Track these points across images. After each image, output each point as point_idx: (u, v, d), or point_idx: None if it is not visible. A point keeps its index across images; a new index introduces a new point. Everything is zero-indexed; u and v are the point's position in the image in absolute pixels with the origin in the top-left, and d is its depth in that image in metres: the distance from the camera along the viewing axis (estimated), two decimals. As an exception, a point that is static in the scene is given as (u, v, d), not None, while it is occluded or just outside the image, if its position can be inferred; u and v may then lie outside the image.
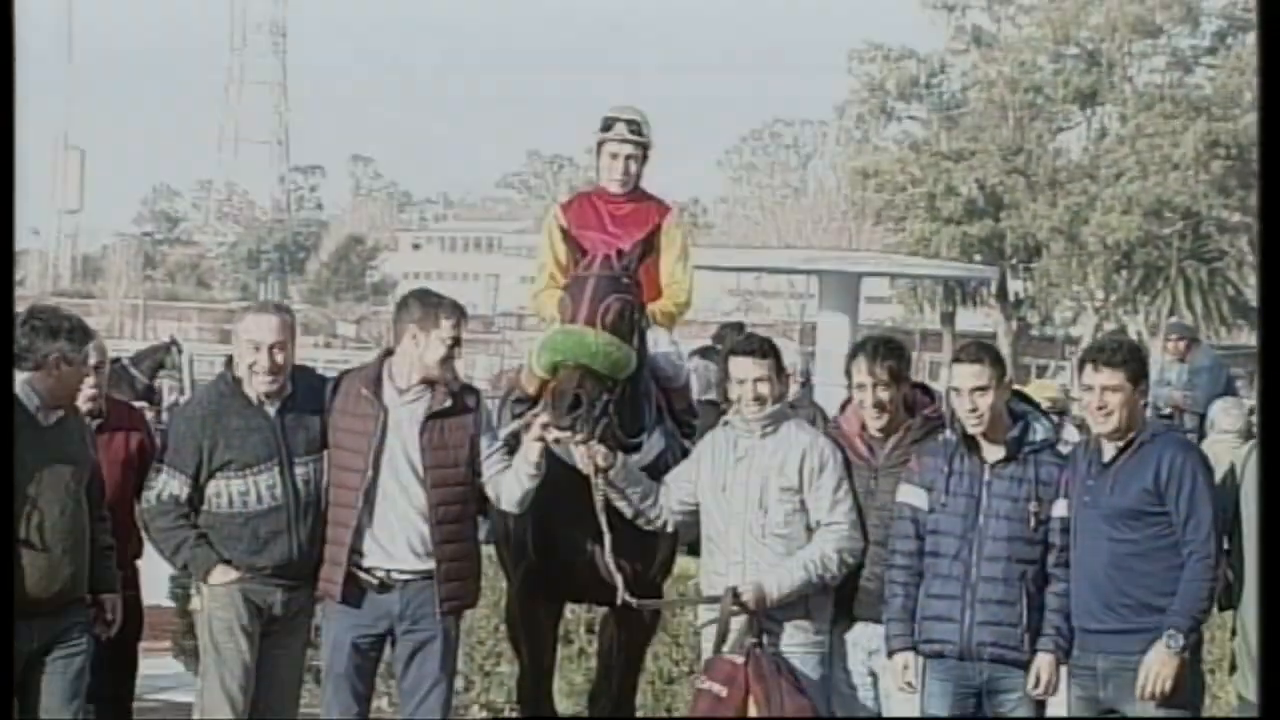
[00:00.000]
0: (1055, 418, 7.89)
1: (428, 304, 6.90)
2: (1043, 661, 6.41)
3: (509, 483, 6.83)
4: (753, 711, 6.55)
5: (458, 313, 6.90)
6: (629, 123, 7.58)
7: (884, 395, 6.67)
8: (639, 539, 7.05)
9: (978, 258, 53.83)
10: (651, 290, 7.46)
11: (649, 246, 7.20)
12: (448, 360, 6.84)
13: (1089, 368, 6.44)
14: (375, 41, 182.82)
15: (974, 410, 6.47)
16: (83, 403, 6.78)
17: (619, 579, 6.85)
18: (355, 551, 6.77)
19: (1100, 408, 6.37)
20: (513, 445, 6.96)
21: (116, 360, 17.36)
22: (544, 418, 6.69)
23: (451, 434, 6.82)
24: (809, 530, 6.68)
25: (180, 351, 20.16)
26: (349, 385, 6.94)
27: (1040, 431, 6.58)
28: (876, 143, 60.55)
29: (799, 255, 44.01)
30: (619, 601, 6.92)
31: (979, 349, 6.67)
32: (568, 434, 6.66)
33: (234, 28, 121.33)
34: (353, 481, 6.76)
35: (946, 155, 55.41)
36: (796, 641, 6.69)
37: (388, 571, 6.77)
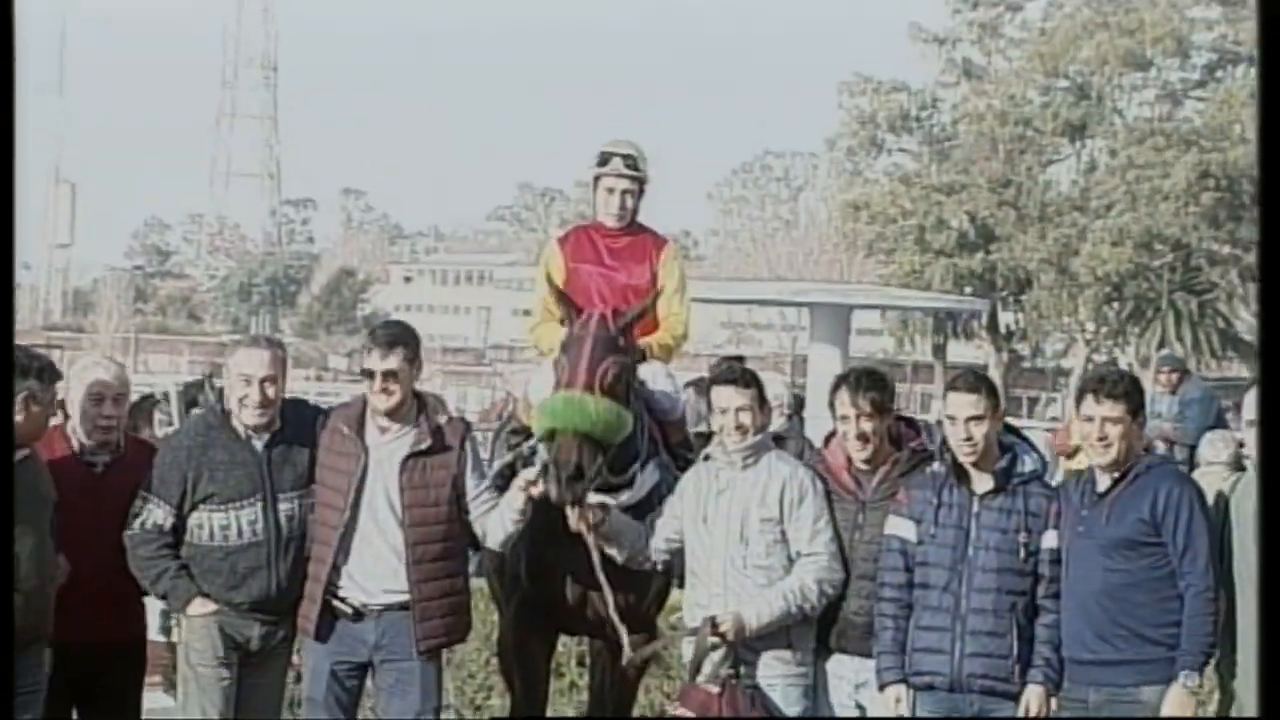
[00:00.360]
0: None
1: (364, 341, 6.94)
2: (1033, 693, 6.41)
3: (494, 524, 6.82)
4: None
5: (382, 345, 6.78)
6: (625, 157, 7.59)
7: (867, 426, 6.68)
8: (633, 573, 7.05)
9: (968, 290, 53.89)
10: (648, 323, 7.48)
11: (645, 309, 7.18)
12: (387, 397, 6.75)
13: (1089, 399, 6.44)
14: (366, 76, 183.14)
15: (969, 439, 6.48)
16: (97, 435, 6.76)
17: (623, 632, 6.86)
18: (332, 587, 6.76)
19: (1100, 439, 6.37)
20: (502, 484, 6.96)
21: (150, 396, 17.27)
22: (539, 486, 6.65)
23: (432, 473, 6.80)
24: (790, 561, 6.69)
25: (214, 386, 20.10)
26: (334, 423, 6.93)
27: (1029, 463, 6.59)
28: (867, 175, 60.68)
29: (790, 288, 43.96)
30: (624, 661, 6.94)
31: (975, 378, 6.68)
32: (571, 501, 6.62)
33: (225, 62, 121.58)
34: (332, 520, 6.76)
35: (937, 188, 55.52)
36: (778, 673, 6.68)
37: (363, 603, 6.77)
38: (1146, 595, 6.25)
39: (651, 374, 7.44)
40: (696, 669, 6.67)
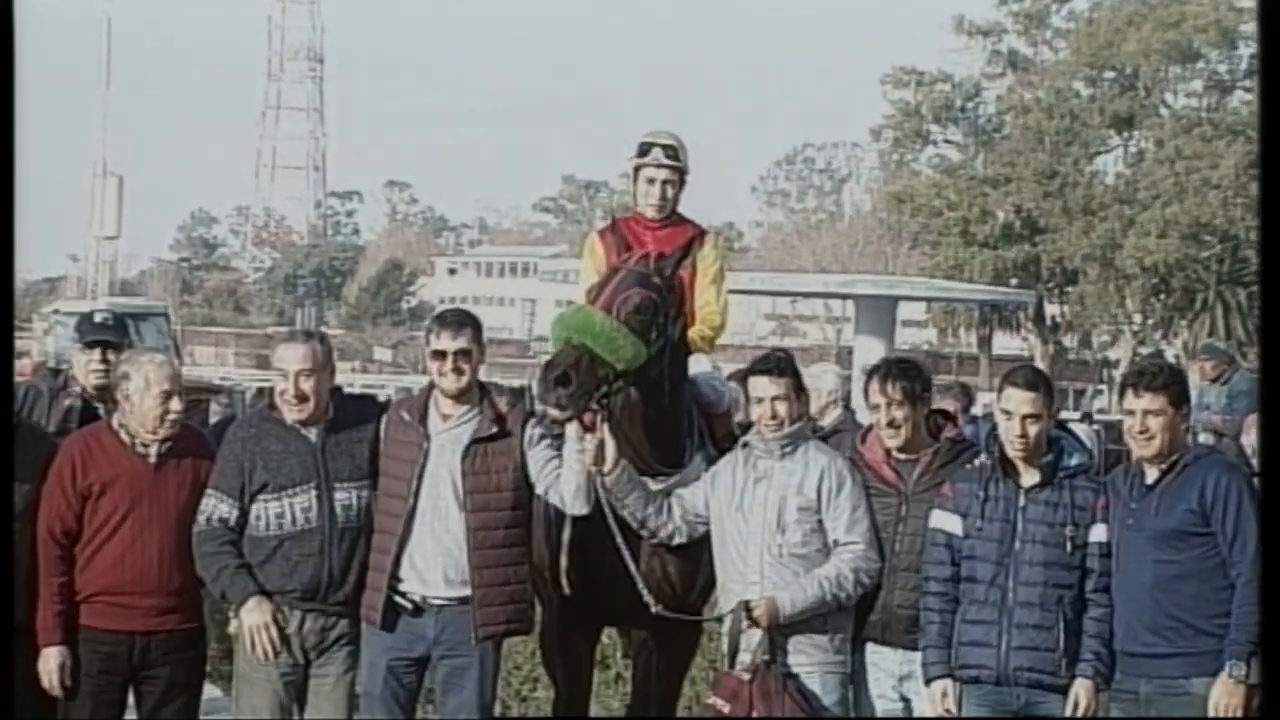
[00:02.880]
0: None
1: (430, 325, 6.96)
2: (1081, 687, 6.38)
3: (567, 481, 6.77)
4: None
5: (451, 326, 6.84)
6: (665, 148, 7.59)
7: (898, 414, 6.68)
8: (678, 561, 7.05)
9: (1014, 282, 53.77)
10: (687, 316, 7.47)
11: (686, 253, 7.21)
12: (458, 376, 6.80)
13: (1130, 392, 6.42)
14: (411, 68, 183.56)
15: (1022, 436, 6.46)
16: (160, 427, 6.81)
17: (645, 592, 6.86)
18: (394, 577, 6.76)
19: (1142, 431, 6.35)
20: (557, 447, 6.92)
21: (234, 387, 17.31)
22: (551, 413, 6.62)
23: (495, 459, 6.80)
24: (827, 550, 6.69)
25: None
26: (396, 413, 6.96)
27: (1075, 456, 6.56)
28: (912, 167, 60.56)
29: (835, 279, 44.01)
30: (652, 610, 6.92)
31: (1034, 375, 6.66)
32: (555, 411, 6.58)
33: (271, 55, 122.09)
34: (396, 508, 6.77)
35: (982, 180, 55.40)
36: (815, 660, 6.68)
37: (422, 597, 6.77)
38: (1197, 586, 6.22)
39: (696, 366, 7.43)
40: (732, 655, 6.68)
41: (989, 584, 6.46)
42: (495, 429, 6.82)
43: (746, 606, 6.63)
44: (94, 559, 6.76)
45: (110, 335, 7.47)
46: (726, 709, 6.61)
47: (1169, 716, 6.23)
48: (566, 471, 6.79)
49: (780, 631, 6.63)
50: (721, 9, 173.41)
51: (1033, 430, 6.46)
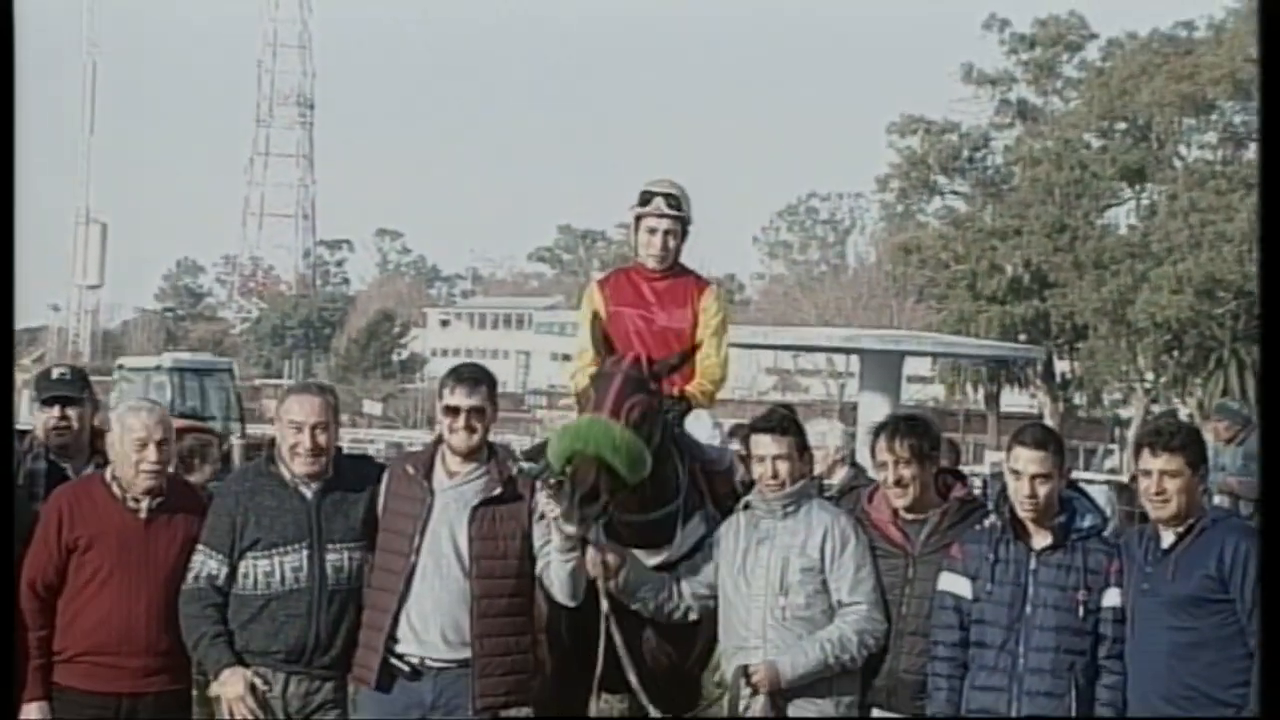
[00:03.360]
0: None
1: (444, 380, 6.90)
2: None
3: (554, 571, 6.73)
4: None
5: (467, 382, 6.80)
6: (668, 196, 7.58)
7: (905, 472, 6.66)
8: (674, 630, 7.01)
9: (1022, 337, 53.79)
10: (687, 371, 7.44)
11: (681, 361, 7.15)
12: (469, 435, 6.76)
13: (1146, 452, 6.39)
14: (403, 114, 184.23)
15: (1032, 496, 6.43)
16: (142, 481, 6.77)
17: (643, 696, 6.82)
18: (390, 638, 6.69)
19: (1159, 493, 6.32)
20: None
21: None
22: (551, 505, 6.57)
23: (503, 524, 6.74)
24: (832, 613, 6.67)
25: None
26: (399, 468, 6.92)
27: (1088, 518, 6.53)
28: (918, 218, 60.68)
29: (839, 333, 43.98)
30: (652, 715, 6.87)
31: (1044, 433, 6.64)
32: (572, 528, 6.53)
33: (260, 99, 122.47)
34: (396, 565, 6.71)
35: (990, 232, 55.49)
36: None
37: (420, 659, 6.69)
38: (1215, 654, 6.18)
39: (697, 423, 7.40)
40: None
41: (999, 649, 6.42)
42: (502, 490, 6.76)
43: (745, 671, 6.60)
44: (78, 617, 6.71)
45: (69, 390, 7.37)
46: None
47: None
48: (555, 568, 6.71)
49: (782, 696, 6.59)
50: (723, 54, 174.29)
51: (1042, 490, 6.43)
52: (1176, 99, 53.57)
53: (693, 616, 6.97)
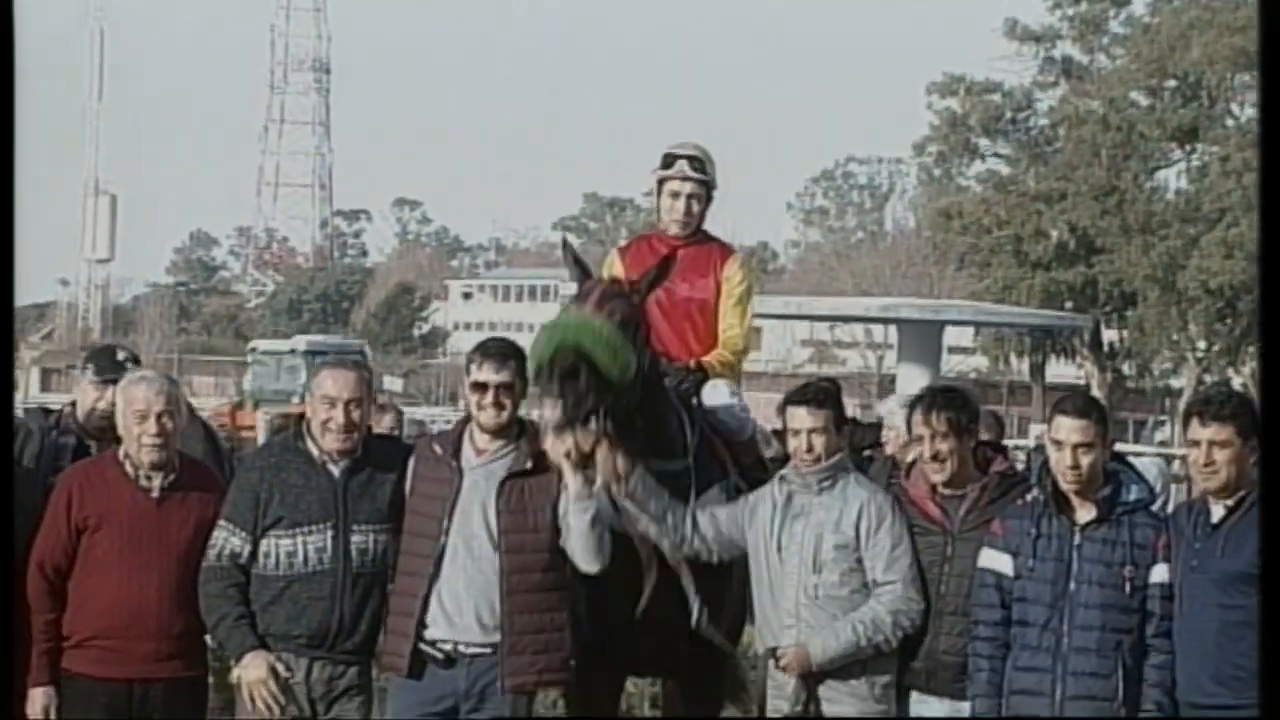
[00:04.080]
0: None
1: (471, 355, 6.93)
2: None
3: (573, 525, 6.72)
4: None
5: (495, 357, 6.82)
6: (691, 159, 7.58)
7: (942, 446, 6.68)
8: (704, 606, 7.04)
9: (1069, 305, 53.65)
10: (709, 339, 7.46)
11: (661, 274, 7.12)
12: (498, 411, 6.78)
13: (1195, 421, 6.40)
14: (423, 80, 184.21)
15: (1074, 467, 6.45)
16: (146, 455, 6.81)
17: (690, 584, 6.83)
18: (420, 623, 6.72)
19: (1207, 464, 6.33)
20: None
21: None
22: (549, 415, 6.53)
23: (533, 497, 6.77)
24: (867, 592, 6.69)
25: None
26: (426, 448, 6.95)
27: (1134, 491, 6.54)
28: (959, 182, 60.49)
29: (876, 303, 43.99)
30: (694, 622, 6.88)
31: (1085, 402, 6.66)
32: (556, 414, 6.48)
33: (274, 65, 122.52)
34: (424, 549, 6.74)
35: (1035, 196, 55.30)
36: (855, 710, 6.67)
37: (453, 645, 6.72)
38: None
39: (713, 392, 7.42)
40: (761, 704, 6.70)
41: (1042, 628, 6.43)
42: (531, 464, 6.78)
43: (774, 653, 6.63)
44: (88, 599, 6.75)
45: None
46: None
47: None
48: (574, 522, 6.71)
49: (814, 679, 6.62)
50: (754, 14, 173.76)
51: (1085, 460, 6.44)
52: (1228, 54, 53.27)
53: (705, 558, 6.93)
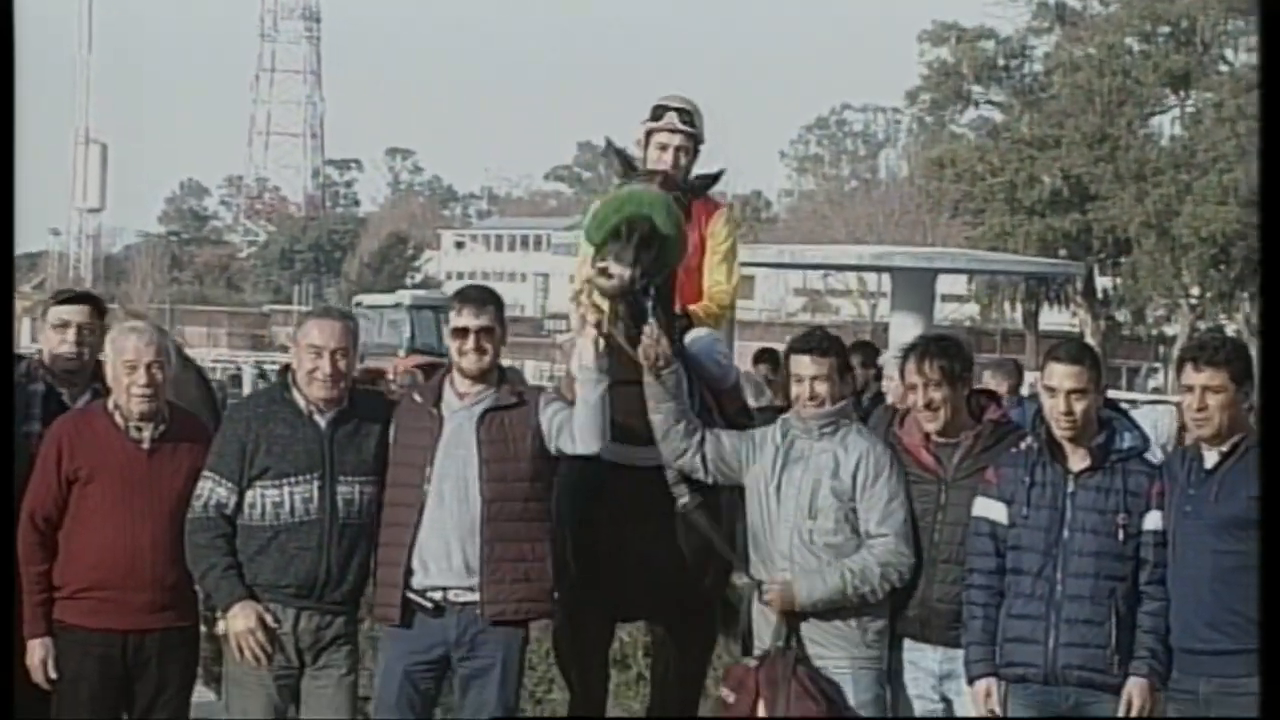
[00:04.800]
0: None
1: (450, 302, 7.03)
2: (1135, 686, 6.36)
3: (578, 413, 6.76)
4: (761, 715, 6.59)
5: (474, 302, 6.91)
6: (680, 111, 7.58)
7: (935, 395, 6.68)
8: (690, 545, 7.08)
9: (1062, 252, 53.65)
10: (694, 291, 7.48)
11: (712, 179, 7.36)
12: (479, 356, 6.84)
13: (1189, 367, 6.40)
14: (415, 27, 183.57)
15: (1068, 413, 6.46)
16: (135, 405, 6.81)
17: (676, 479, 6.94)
18: (408, 572, 6.75)
19: (1200, 409, 6.33)
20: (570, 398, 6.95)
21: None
22: (618, 272, 6.65)
23: (513, 428, 6.82)
24: (860, 541, 6.70)
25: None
26: (408, 398, 7.01)
27: (1128, 439, 6.54)
28: (953, 129, 60.40)
29: (870, 251, 43.88)
30: (679, 506, 6.95)
31: (1079, 349, 6.65)
32: (623, 269, 6.64)
33: (264, 13, 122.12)
34: (408, 497, 6.77)
35: (1028, 143, 55.24)
36: (846, 655, 6.68)
37: (442, 593, 6.76)
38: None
39: (697, 339, 7.44)
40: (745, 638, 6.75)
41: (1036, 576, 6.44)
42: (514, 399, 6.86)
43: (759, 586, 6.65)
44: (80, 550, 6.75)
45: (85, 316, 7.35)
46: (732, 699, 6.65)
47: (1230, 718, 6.20)
48: (584, 393, 6.75)
49: (797, 618, 6.63)
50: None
51: (1079, 407, 6.45)
52: None
53: (699, 475, 6.95)
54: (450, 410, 6.84)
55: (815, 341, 6.91)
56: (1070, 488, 6.48)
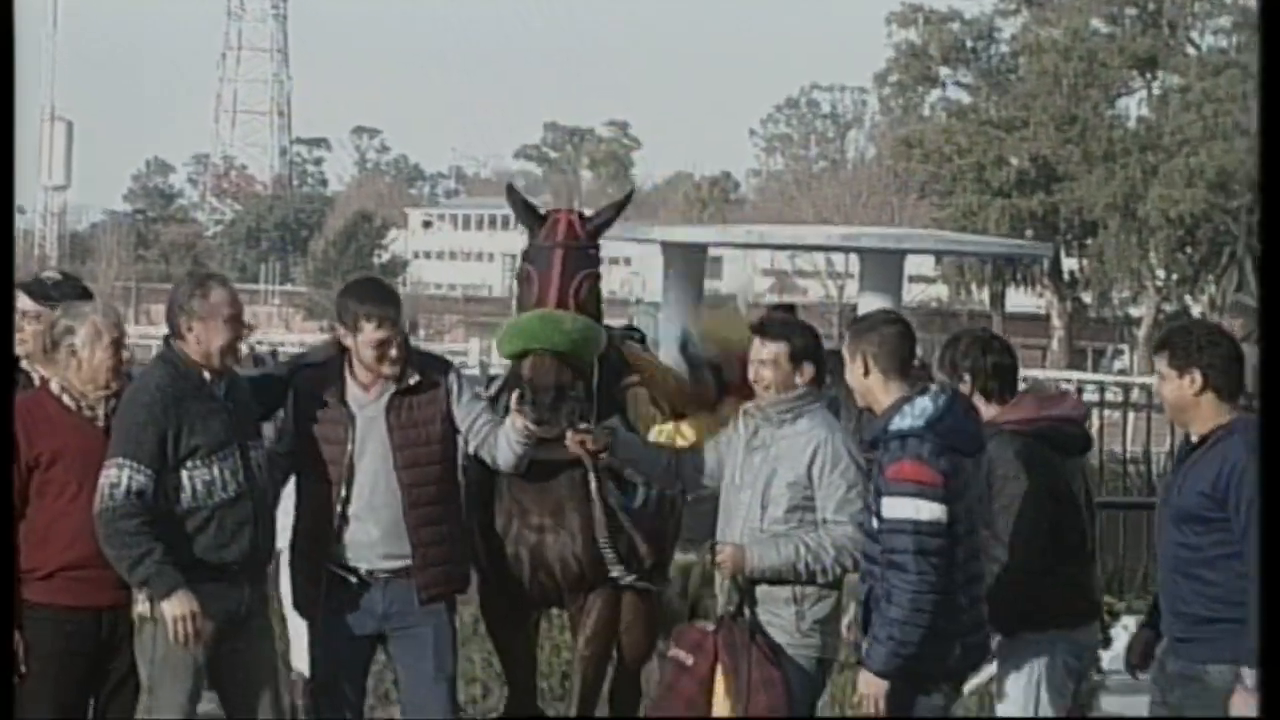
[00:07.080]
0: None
1: (353, 305, 6.87)
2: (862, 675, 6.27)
3: (502, 445, 6.79)
4: (720, 681, 6.55)
5: (382, 312, 6.82)
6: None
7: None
8: (645, 535, 7.10)
9: (1029, 234, 53.78)
10: None
11: (614, 213, 7.10)
12: (394, 365, 6.81)
13: (1160, 357, 6.35)
14: (382, 5, 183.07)
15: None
16: (113, 379, 6.77)
17: (612, 558, 6.94)
18: (332, 553, 6.81)
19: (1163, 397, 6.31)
20: (501, 404, 6.95)
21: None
22: (522, 414, 6.64)
23: (421, 410, 6.82)
24: (813, 530, 6.61)
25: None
26: (310, 387, 6.94)
27: (907, 419, 6.27)
28: (920, 111, 60.50)
29: (837, 232, 43.84)
30: (618, 578, 6.97)
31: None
32: (548, 429, 6.61)
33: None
34: (326, 492, 6.81)
35: (995, 124, 55.37)
36: (783, 641, 6.57)
37: (368, 569, 6.79)
38: (1217, 574, 6.04)
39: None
40: (692, 606, 6.70)
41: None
42: (418, 379, 6.84)
43: (712, 549, 6.62)
44: (51, 533, 6.71)
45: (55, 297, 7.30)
46: (690, 661, 6.61)
47: (1190, 703, 6.19)
48: (504, 440, 6.76)
49: (748, 583, 6.58)
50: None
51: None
52: (1190, -18, 53.32)
53: (705, 490, 6.97)
54: (359, 405, 6.82)
55: (766, 325, 6.84)
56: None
